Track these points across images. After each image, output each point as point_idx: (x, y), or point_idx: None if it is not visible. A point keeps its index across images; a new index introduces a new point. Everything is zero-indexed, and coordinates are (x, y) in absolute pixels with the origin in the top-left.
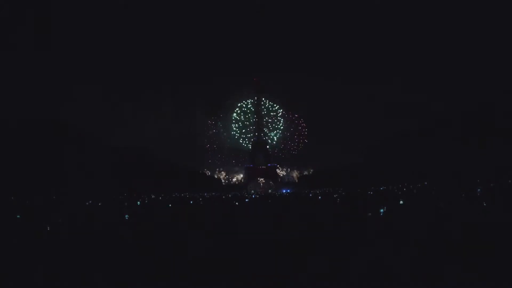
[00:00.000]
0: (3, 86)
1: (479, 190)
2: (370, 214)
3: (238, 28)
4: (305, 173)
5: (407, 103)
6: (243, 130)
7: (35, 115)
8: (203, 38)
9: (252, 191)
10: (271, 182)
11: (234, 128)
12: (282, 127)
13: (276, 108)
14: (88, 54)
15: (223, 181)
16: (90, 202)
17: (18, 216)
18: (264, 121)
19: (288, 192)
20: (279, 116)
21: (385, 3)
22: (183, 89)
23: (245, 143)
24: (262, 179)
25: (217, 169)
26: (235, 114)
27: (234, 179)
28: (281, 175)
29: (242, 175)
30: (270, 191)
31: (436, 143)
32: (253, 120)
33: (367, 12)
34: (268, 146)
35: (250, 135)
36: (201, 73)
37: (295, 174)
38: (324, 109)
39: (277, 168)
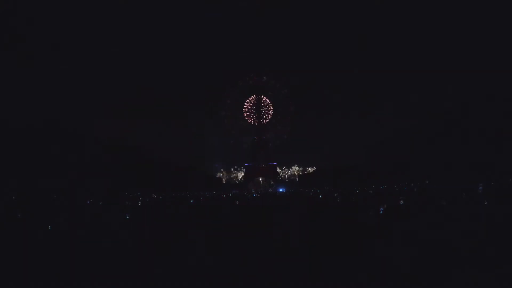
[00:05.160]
0: (3, 87)
1: (480, 188)
2: (371, 213)
3: (237, 27)
4: (306, 171)
5: (407, 103)
6: (243, 129)
7: (34, 115)
8: (201, 36)
9: (253, 190)
10: (271, 181)
11: (234, 127)
12: (282, 126)
13: (276, 106)
14: (86, 53)
15: (223, 180)
16: (90, 201)
17: (18, 216)
18: (264, 119)
19: (284, 192)
20: (279, 115)
21: (385, 2)
22: (182, 88)
23: (245, 141)
24: (262, 178)
25: (217, 168)
26: (235, 112)
27: (235, 177)
28: (282, 174)
29: (242, 174)
30: (270, 190)
31: (436, 143)
32: (253, 118)
33: (367, 11)
34: (268, 145)
35: (251, 134)
36: (200, 72)
37: (295, 173)
38: (324, 109)
39: (277, 167)
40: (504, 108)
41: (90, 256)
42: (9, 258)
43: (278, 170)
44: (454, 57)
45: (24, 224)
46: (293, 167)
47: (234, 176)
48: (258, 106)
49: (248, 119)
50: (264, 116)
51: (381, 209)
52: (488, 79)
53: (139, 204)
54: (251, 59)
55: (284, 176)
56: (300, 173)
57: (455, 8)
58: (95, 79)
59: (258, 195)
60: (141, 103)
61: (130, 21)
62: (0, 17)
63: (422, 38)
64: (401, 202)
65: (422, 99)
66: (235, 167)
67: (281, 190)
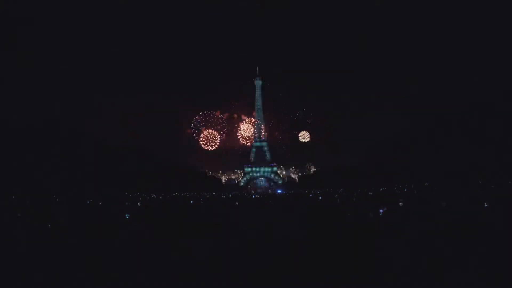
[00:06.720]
0: (3, 87)
1: (479, 190)
2: (371, 214)
3: (237, 27)
4: (306, 172)
5: (407, 103)
6: (244, 130)
7: (35, 116)
8: (201, 36)
9: (252, 191)
10: (271, 183)
11: (235, 128)
12: (282, 127)
13: (277, 107)
14: (86, 53)
15: (223, 181)
16: (90, 201)
17: (18, 215)
18: (265, 119)
19: (284, 193)
20: (280, 116)
21: (385, 4)
22: (182, 89)
23: (246, 143)
24: (262, 179)
25: (218, 169)
26: (236, 113)
27: (234, 178)
28: (281, 175)
29: (242, 175)
30: (270, 191)
31: (437, 143)
32: (254, 119)
33: (367, 11)
34: (268, 146)
35: (251, 135)
36: (200, 72)
37: (295, 174)
38: (324, 109)
39: (277, 168)
40: (504, 109)
41: (89, 256)
42: (9, 258)
43: (278, 171)
44: (454, 57)
45: (24, 224)
46: (292, 168)
47: (233, 177)
48: (259, 107)
49: (249, 120)
50: (265, 116)
51: (381, 210)
52: (488, 80)
53: (139, 205)
54: (251, 59)
55: (284, 177)
56: (300, 174)
57: (456, 8)
58: (95, 79)
59: (258, 196)
60: (141, 103)
61: (130, 21)
62: (0, 17)
63: (422, 38)
64: (401, 204)
65: (422, 100)
66: (236, 168)
67: (280, 191)
